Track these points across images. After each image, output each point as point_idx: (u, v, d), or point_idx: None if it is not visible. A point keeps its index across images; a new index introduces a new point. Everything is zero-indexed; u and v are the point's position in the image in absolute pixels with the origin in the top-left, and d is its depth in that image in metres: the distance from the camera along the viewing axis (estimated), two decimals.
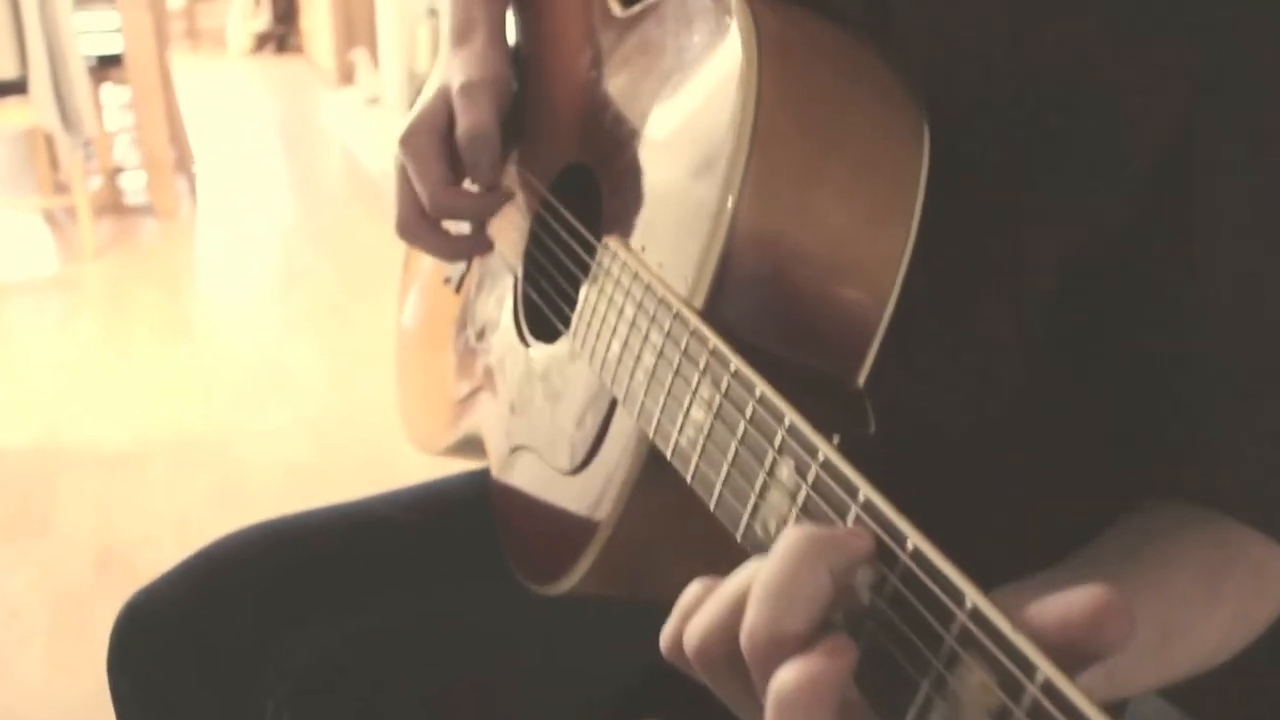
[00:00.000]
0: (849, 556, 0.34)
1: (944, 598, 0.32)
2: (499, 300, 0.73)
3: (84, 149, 3.29)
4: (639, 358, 0.52)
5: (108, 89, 3.78)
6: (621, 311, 0.54)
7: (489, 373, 0.71)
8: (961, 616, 0.31)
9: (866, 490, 0.36)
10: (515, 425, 0.66)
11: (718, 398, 0.45)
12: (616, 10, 0.65)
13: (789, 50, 0.51)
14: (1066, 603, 0.30)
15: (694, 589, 0.39)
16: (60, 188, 3.52)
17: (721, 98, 0.51)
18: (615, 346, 0.54)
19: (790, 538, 0.35)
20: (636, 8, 0.63)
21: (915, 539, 0.33)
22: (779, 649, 0.34)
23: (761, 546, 0.40)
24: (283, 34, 6.12)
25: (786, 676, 0.33)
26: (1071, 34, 0.49)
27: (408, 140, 0.68)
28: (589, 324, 0.58)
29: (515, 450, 0.66)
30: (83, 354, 2.73)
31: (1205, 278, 0.50)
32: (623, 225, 0.58)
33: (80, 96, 3.04)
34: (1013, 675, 0.29)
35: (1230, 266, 0.50)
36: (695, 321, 0.48)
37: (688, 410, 0.47)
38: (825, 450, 0.38)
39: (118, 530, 2.00)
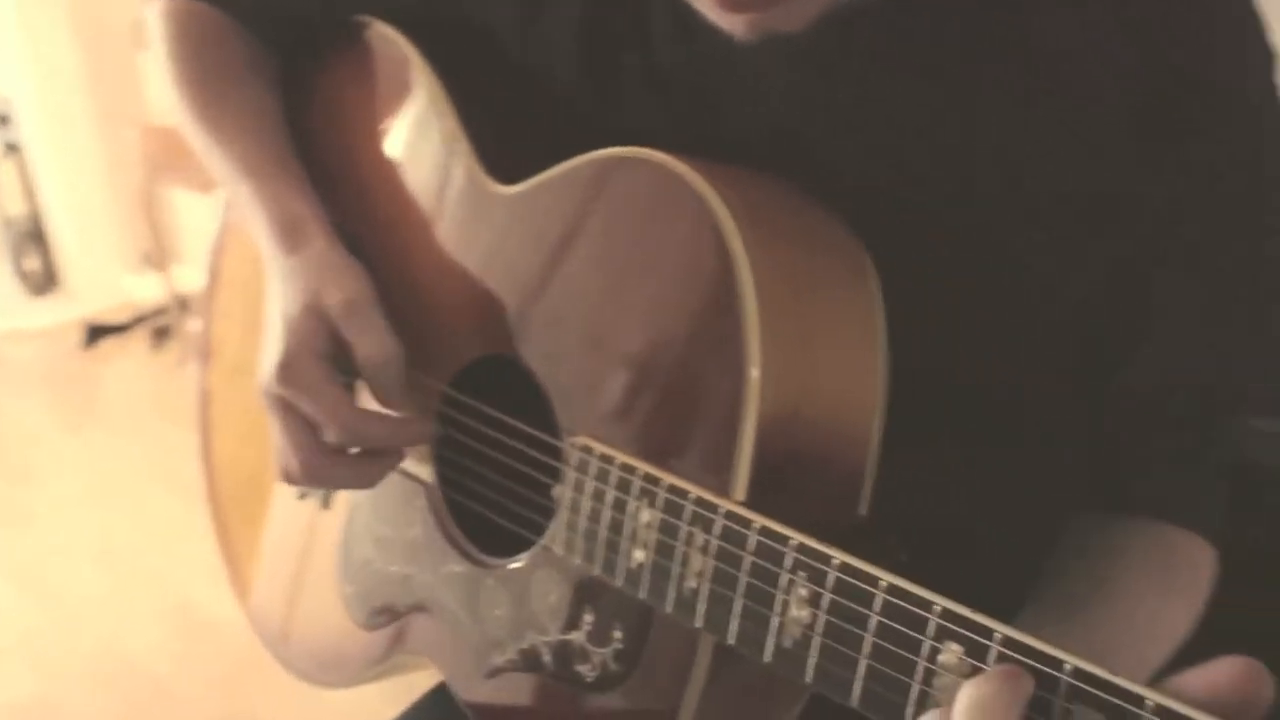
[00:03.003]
0: (1026, 696, 0.37)
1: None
2: (409, 518, 0.66)
3: None
4: (686, 564, 0.50)
5: None
6: (636, 517, 0.52)
7: (429, 594, 0.65)
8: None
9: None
10: (490, 648, 0.61)
11: (826, 596, 0.44)
12: (497, 187, 0.62)
13: (757, 217, 0.51)
14: (1210, 682, 0.35)
15: None
16: None
17: (711, 277, 0.50)
18: (640, 555, 0.52)
19: (967, 703, 0.38)
20: (533, 182, 0.60)
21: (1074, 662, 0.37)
22: None
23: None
24: None
25: None
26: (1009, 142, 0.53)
27: (288, 373, 0.60)
28: (585, 533, 0.54)
29: (497, 673, 0.61)
30: None
31: (1130, 336, 0.57)
32: (594, 422, 0.55)
33: None
34: None
35: (1185, 325, 0.56)
36: (760, 520, 0.47)
37: (784, 611, 0.46)
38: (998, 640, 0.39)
39: None
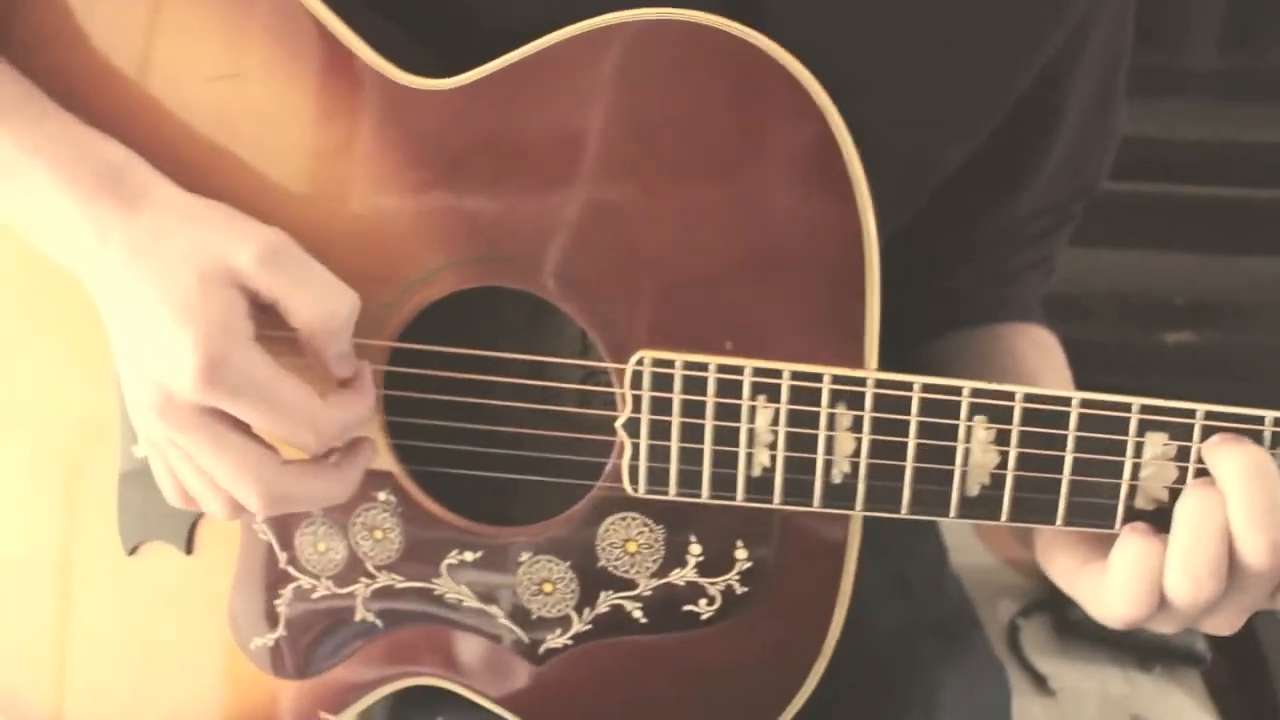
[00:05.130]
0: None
1: None
2: (370, 519, 0.54)
3: None
4: (834, 449, 0.48)
5: None
6: (753, 419, 0.48)
7: (420, 600, 0.54)
8: None
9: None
10: (540, 630, 0.53)
11: (1014, 430, 0.46)
12: (427, 82, 0.50)
13: None
14: None
15: (1140, 556, 0.45)
16: None
17: (809, 134, 0.47)
18: (766, 457, 0.49)
19: (1239, 468, 0.43)
20: (492, 68, 0.49)
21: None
22: None
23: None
24: None
25: None
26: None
27: (221, 373, 0.45)
28: (679, 458, 0.49)
29: (553, 656, 0.53)
30: None
31: (1040, 163, 0.65)
32: (654, 332, 0.50)
33: None
34: None
35: (1055, 155, 0.65)
36: (919, 379, 0.47)
37: (967, 461, 0.47)
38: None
39: None
